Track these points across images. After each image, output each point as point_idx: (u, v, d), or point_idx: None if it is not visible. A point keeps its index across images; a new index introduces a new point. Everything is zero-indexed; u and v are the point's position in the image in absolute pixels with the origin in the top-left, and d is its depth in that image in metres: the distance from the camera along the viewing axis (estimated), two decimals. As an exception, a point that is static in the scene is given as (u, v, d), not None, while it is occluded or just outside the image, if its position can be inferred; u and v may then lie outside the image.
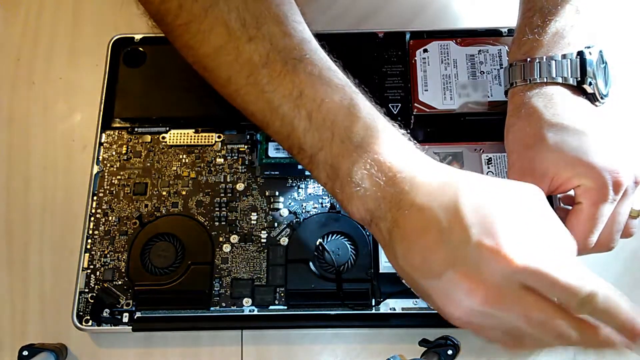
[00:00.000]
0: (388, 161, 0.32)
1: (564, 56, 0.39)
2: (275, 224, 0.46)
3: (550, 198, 0.42)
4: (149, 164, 0.48)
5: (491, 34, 0.51)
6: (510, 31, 0.51)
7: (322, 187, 0.46)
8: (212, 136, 0.48)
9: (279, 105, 0.34)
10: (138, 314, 0.43)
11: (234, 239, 0.45)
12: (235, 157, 0.48)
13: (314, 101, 0.33)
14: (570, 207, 0.40)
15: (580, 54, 0.39)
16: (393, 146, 0.33)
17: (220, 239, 0.45)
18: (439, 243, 0.30)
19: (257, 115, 0.36)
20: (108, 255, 0.45)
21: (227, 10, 0.33)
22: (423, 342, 0.42)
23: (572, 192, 0.38)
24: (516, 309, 0.29)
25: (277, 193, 0.47)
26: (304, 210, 0.46)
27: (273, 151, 0.47)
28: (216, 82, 0.37)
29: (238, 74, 0.34)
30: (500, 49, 0.50)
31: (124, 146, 0.48)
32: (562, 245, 0.31)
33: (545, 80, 0.39)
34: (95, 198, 0.46)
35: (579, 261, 0.30)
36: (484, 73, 0.49)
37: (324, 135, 0.33)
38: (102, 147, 0.48)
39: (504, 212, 0.30)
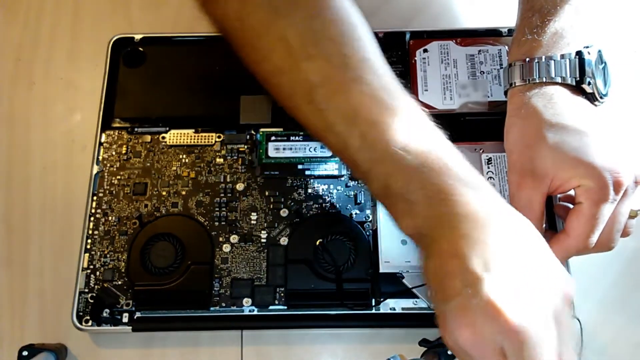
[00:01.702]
0: (443, 183, 0.32)
1: (562, 56, 0.39)
2: (275, 224, 0.46)
3: (550, 198, 0.42)
4: (148, 164, 0.48)
5: (491, 34, 0.51)
6: (510, 31, 0.51)
7: (322, 187, 0.46)
8: (212, 136, 0.49)
9: (334, 124, 0.34)
10: (138, 314, 0.43)
11: (234, 239, 0.45)
12: (235, 157, 0.48)
13: (367, 122, 0.33)
14: (569, 205, 0.40)
15: (579, 53, 0.39)
16: (449, 168, 0.33)
17: (220, 239, 0.45)
18: (458, 272, 0.31)
19: (312, 130, 0.36)
20: (108, 255, 0.45)
21: (286, 27, 0.33)
22: (423, 342, 0.42)
23: (572, 192, 0.38)
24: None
25: (277, 193, 0.47)
26: (304, 210, 0.46)
27: (273, 151, 0.47)
28: (277, 97, 0.37)
29: (296, 92, 0.35)
30: (500, 49, 0.50)
31: (124, 146, 0.48)
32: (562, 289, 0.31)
33: (544, 80, 0.39)
34: (95, 198, 0.46)
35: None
36: (484, 73, 0.49)
37: (377, 155, 0.33)
38: (102, 147, 0.48)
39: (526, 275, 0.31)
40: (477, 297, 0.29)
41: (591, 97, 0.40)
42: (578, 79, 0.39)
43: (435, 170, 0.33)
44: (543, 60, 0.39)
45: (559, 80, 0.39)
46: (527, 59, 0.40)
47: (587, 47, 0.40)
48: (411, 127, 0.34)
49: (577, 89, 0.39)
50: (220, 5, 0.36)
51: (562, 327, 0.30)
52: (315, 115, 0.35)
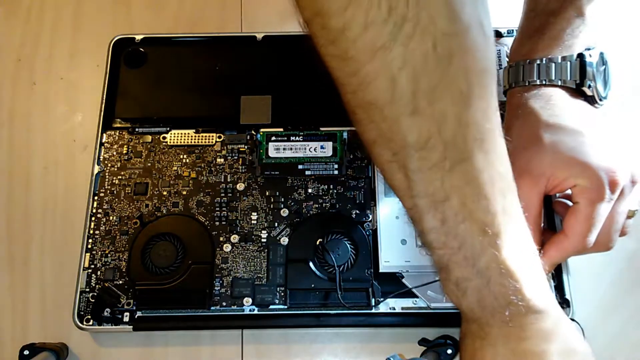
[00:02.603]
0: (502, 303, 0.30)
1: (564, 58, 0.39)
2: (276, 224, 0.46)
3: (548, 198, 0.42)
4: (149, 164, 0.48)
5: (491, 35, 0.51)
6: (510, 32, 0.51)
7: (322, 187, 0.47)
8: (212, 136, 0.49)
9: (417, 196, 0.29)
10: (139, 314, 0.43)
11: (235, 238, 0.45)
12: (236, 157, 0.48)
13: (456, 215, 0.28)
14: (568, 202, 0.40)
15: (581, 56, 0.39)
16: (515, 291, 0.30)
17: (221, 239, 0.45)
18: None
19: (390, 184, 0.30)
20: (109, 255, 0.45)
21: (400, 63, 0.24)
22: (422, 342, 0.42)
23: (570, 192, 0.38)
24: None
25: (277, 193, 0.47)
26: (304, 210, 0.46)
27: (273, 151, 0.48)
28: (360, 133, 0.29)
29: (385, 144, 0.28)
30: (499, 49, 0.50)
31: (125, 146, 0.48)
32: None
33: (544, 82, 0.39)
34: (96, 198, 0.47)
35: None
36: (483, 73, 0.49)
37: (449, 243, 0.30)
38: (102, 147, 0.48)
39: None
40: None
41: (591, 100, 0.40)
42: (578, 81, 0.39)
43: (498, 289, 0.30)
44: (543, 62, 0.39)
45: (558, 82, 0.39)
46: (528, 60, 0.40)
47: (589, 49, 0.40)
48: (498, 242, 0.29)
49: (576, 91, 0.40)
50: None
51: None
52: (399, 177, 0.29)
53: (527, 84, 0.40)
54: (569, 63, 0.39)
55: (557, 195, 0.42)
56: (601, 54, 0.41)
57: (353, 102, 0.28)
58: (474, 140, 0.27)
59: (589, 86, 0.39)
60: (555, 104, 0.38)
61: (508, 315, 0.30)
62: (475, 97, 0.26)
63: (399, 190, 0.30)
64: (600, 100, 0.40)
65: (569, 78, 0.39)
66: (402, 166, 0.28)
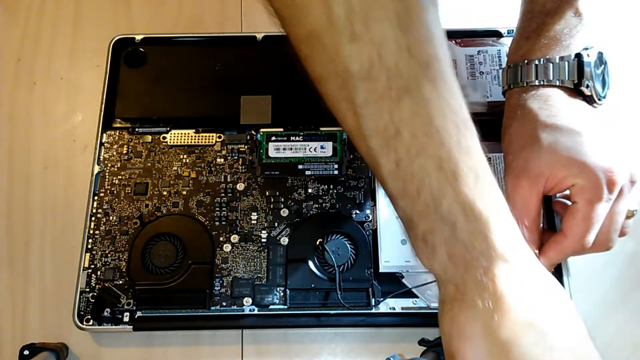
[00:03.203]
0: (471, 248, 0.28)
1: (562, 58, 0.39)
2: (276, 224, 0.46)
3: (548, 198, 0.42)
4: (149, 164, 0.48)
5: (491, 35, 0.51)
6: (510, 32, 0.51)
7: (322, 187, 0.47)
8: (212, 136, 0.49)
9: (369, 136, 0.28)
10: (139, 314, 0.43)
11: (235, 238, 0.45)
12: (236, 157, 0.48)
13: (408, 151, 0.27)
14: (567, 202, 0.40)
15: (579, 56, 0.39)
16: (484, 233, 0.28)
17: (221, 239, 0.45)
18: (468, 357, 0.28)
19: (344, 127, 0.30)
20: (109, 255, 0.45)
21: None
22: (422, 342, 0.42)
23: (568, 192, 0.38)
24: None
25: (277, 193, 0.47)
26: (304, 210, 0.46)
27: (273, 151, 0.48)
28: (309, 73, 0.29)
29: (330, 78, 0.28)
30: (499, 50, 0.50)
31: (125, 146, 0.48)
32: None
33: (542, 82, 0.39)
34: (96, 198, 0.47)
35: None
36: (483, 73, 0.49)
37: (409, 189, 0.28)
38: (103, 147, 0.48)
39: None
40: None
41: (589, 99, 0.40)
42: (576, 81, 0.39)
43: (465, 232, 0.28)
44: (542, 62, 0.39)
45: (557, 83, 0.39)
46: (526, 61, 0.40)
47: (587, 49, 0.40)
48: (457, 176, 0.28)
49: (575, 91, 0.40)
50: None
51: None
52: (349, 115, 0.28)
53: (525, 84, 0.40)
54: (566, 63, 0.39)
55: (557, 195, 0.42)
56: (600, 53, 0.41)
57: (296, 37, 0.28)
58: (418, 67, 0.26)
59: (587, 86, 0.39)
60: (553, 104, 0.38)
61: (481, 268, 0.28)
62: (414, 21, 0.26)
63: (352, 133, 0.29)
64: (599, 99, 0.40)
65: (567, 78, 0.39)
66: (350, 102, 0.27)
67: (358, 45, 0.26)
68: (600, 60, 0.41)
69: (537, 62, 0.39)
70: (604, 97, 0.40)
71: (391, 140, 0.27)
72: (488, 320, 0.27)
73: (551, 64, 0.39)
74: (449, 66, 0.28)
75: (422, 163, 0.27)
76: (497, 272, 0.28)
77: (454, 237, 0.28)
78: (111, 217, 0.46)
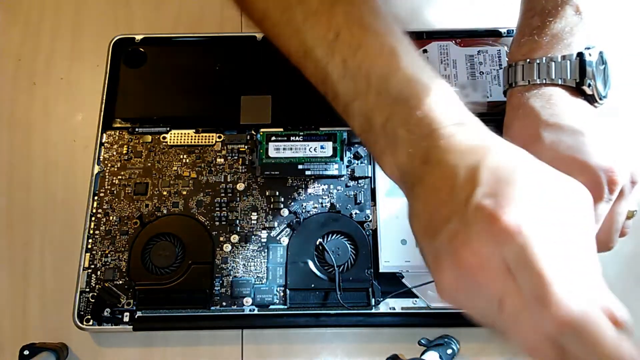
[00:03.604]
0: (426, 117, 0.29)
1: (564, 57, 0.39)
2: (276, 224, 0.46)
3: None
4: (149, 164, 0.48)
5: (490, 35, 0.51)
6: (510, 32, 0.51)
7: (322, 187, 0.47)
8: (212, 136, 0.49)
9: (313, 48, 0.32)
10: (139, 314, 0.43)
11: (235, 238, 0.45)
12: (236, 157, 0.48)
13: (350, 47, 0.31)
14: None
15: (580, 55, 0.39)
16: (433, 101, 0.30)
17: (221, 239, 0.45)
18: (447, 200, 0.27)
19: (292, 56, 0.33)
20: (109, 255, 0.45)
21: None
22: (422, 342, 0.42)
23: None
24: (491, 289, 0.25)
25: (277, 193, 0.47)
26: (304, 210, 0.46)
27: (273, 151, 0.48)
28: (253, 17, 0.34)
29: (273, 8, 0.32)
30: (499, 50, 0.50)
31: (125, 146, 0.48)
32: (585, 263, 0.25)
33: (544, 81, 0.39)
34: (96, 198, 0.47)
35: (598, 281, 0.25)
36: (483, 73, 0.49)
37: (359, 85, 0.31)
38: (103, 147, 0.48)
39: (526, 188, 0.26)
40: (472, 210, 0.25)
41: (591, 99, 0.40)
42: (578, 80, 0.39)
43: (418, 104, 0.30)
44: (544, 61, 0.39)
45: (559, 81, 0.39)
46: (528, 60, 0.40)
47: (588, 48, 0.40)
48: (396, 55, 0.31)
49: (576, 90, 0.40)
50: None
51: (570, 228, 0.26)
52: (293, 37, 0.32)
53: (527, 83, 0.40)
54: (568, 62, 0.39)
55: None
56: (600, 53, 0.41)
57: None
58: None
59: (589, 85, 0.39)
60: (555, 104, 0.38)
61: (441, 131, 0.29)
62: None
63: (298, 54, 0.33)
64: (601, 99, 0.40)
65: (569, 77, 0.39)
66: (291, 23, 0.32)
67: None
68: (602, 60, 0.41)
69: (538, 61, 0.39)
70: (605, 97, 0.40)
71: (333, 43, 0.31)
72: (458, 171, 0.28)
73: (553, 63, 0.39)
74: None
75: (364, 53, 0.31)
76: (456, 131, 0.29)
77: (410, 114, 0.30)
78: (111, 217, 0.46)
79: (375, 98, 0.31)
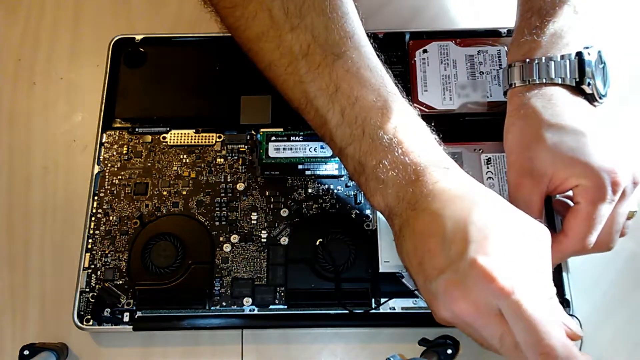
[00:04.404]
0: (413, 163, 0.34)
1: (562, 57, 0.39)
2: (276, 224, 0.46)
3: (548, 198, 0.42)
4: (149, 164, 0.48)
5: (490, 35, 0.51)
6: (510, 32, 0.51)
7: (322, 187, 0.47)
8: (212, 136, 0.49)
9: (315, 97, 0.35)
10: (139, 314, 0.43)
11: (235, 238, 0.45)
12: (236, 157, 0.48)
13: (349, 99, 0.35)
14: (568, 201, 0.40)
15: (579, 54, 0.39)
16: (421, 149, 0.34)
17: (221, 239, 0.45)
18: (439, 250, 0.31)
19: (294, 102, 0.37)
20: (109, 255, 0.45)
21: None
22: (423, 342, 0.42)
23: (570, 193, 0.38)
24: (489, 330, 0.31)
25: (277, 193, 0.47)
26: (304, 210, 0.46)
27: (273, 151, 0.48)
28: (258, 65, 0.38)
29: (278, 62, 0.36)
30: (499, 50, 0.50)
31: (125, 146, 0.48)
32: (548, 293, 0.32)
33: (544, 81, 0.39)
34: (96, 198, 0.47)
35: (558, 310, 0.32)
36: (483, 73, 0.49)
37: (355, 132, 0.35)
38: (102, 147, 0.48)
39: (507, 240, 0.31)
40: (466, 265, 0.30)
41: (590, 98, 0.40)
42: (578, 79, 0.39)
43: (407, 151, 0.34)
44: (543, 61, 0.39)
45: (559, 81, 0.39)
46: (527, 60, 0.40)
47: (587, 47, 0.40)
48: (388, 107, 0.35)
49: (576, 89, 0.40)
50: None
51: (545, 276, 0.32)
52: (297, 87, 0.36)
53: (527, 83, 0.40)
54: (568, 61, 0.39)
55: (558, 196, 0.42)
56: (599, 52, 0.41)
57: (247, 39, 0.37)
58: (344, 38, 0.35)
59: (589, 84, 0.39)
60: (556, 104, 0.38)
61: (428, 175, 0.34)
62: (335, 9, 0.35)
63: (300, 102, 0.37)
64: (600, 98, 0.40)
65: (568, 76, 0.39)
66: (295, 75, 0.35)
67: (296, 32, 0.35)
68: (600, 59, 0.41)
69: (537, 61, 0.40)
70: (605, 96, 0.40)
71: (333, 95, 0.35)
72: (443, 211, 0.32)
73: (552, 62, 0.39)
74: (365, 37, 0.37)
75: (361, 105, 0.35)
76: (441, 177, 0.34)
77: (399, 159, 0.34)
78: (111, 217, 0.46)
79: (369, 144, 0.35)
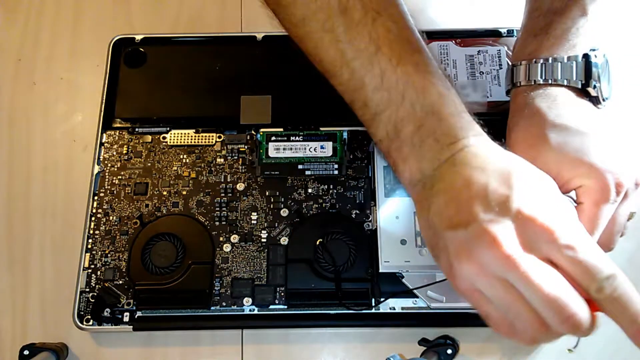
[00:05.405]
0: (453, 128, 0.33)
1: (569, 58, 0.39)
2: (276, 224, 0.46)
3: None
4: (149, 164, 0.48)
5: (490, 35, 0.51)
6: (510, 31, 0.51)
7: (322, 187, 0.47)
8: (212, 136, 0.49)
9: (353, 59, 0.33)
10: (139, 314, 0.43)
11: (235, 238, 0.45)
12: (236, 157, 0.48)
13: (390, 61, 0.33)
14: (572, 201, 0.40)
15: (586, 56, 0.39)
16: (458, 114, 0.33)
17: (221, 239, 0.45)
18: (479, 197, 0.31)
19: (325, 64, 0.34)
20: (109, 255, 0.45)
21: None
22: (423, 342, 0.43)
23: (573, 194, 0.38)
24: (522, 283, 0.29)
25: (277, 193, 0.47)
26: (304, 210, 0.46)
27: (273, 151, 0.48)
28: (289, 21, 0.35)
29: (313, 16, 0.33)
30: (499, 50, 0.50)
31: (125, 146, 0.48)
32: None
33: (549, 81, 0.39)
34: (96, 198, 0.47)
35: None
36: (483, 73, 0.49)
37: (393, 97, 0.33)
38: (102, 147, 0.48)
39: (549, 200, 0.31)
40: (513, 214, 0.30)
41: (594, 100, 0.40)
42: (584, 82, 0.39)
43: (446, 118, 0.33)
44: (549, 61, 0.39)
45: (564, 82, 0.39)
46: (533, 60, 0.40)
47: (594, 50, 0.40)
48: (429, 72, 0.33)
49: (581, 91, 0.39)
50: None
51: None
52: (332, 46, 0.33)
53: (532, 83, 0.40)
54: (574, 63, 0.39)
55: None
56: (605, 55, 0.41)
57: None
58: None
59: (594, 87, 0.39)
60: (561, 104, 0.38)
61: (463, 139, 0.33)
62: None
63: (333, 64, 0.34)
64: (604, 100, 0.40)
65: (574, 78, 0.39)
66: (332, 33, 0.33)
67: None
68: (606, 62, 0.41)
69: (544, 61, 0.39)
70: (608, 98, 0.40)
71: (373, 56, 0.32)
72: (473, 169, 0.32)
73: (559, 64, 0.39)
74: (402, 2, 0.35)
75: (403, 69, 0.33)
76: (476, 141, 0.33)
77: (439, 125, 0.33)
78: (111, 217, 0.46)
79: (407, 109, 0.33)
